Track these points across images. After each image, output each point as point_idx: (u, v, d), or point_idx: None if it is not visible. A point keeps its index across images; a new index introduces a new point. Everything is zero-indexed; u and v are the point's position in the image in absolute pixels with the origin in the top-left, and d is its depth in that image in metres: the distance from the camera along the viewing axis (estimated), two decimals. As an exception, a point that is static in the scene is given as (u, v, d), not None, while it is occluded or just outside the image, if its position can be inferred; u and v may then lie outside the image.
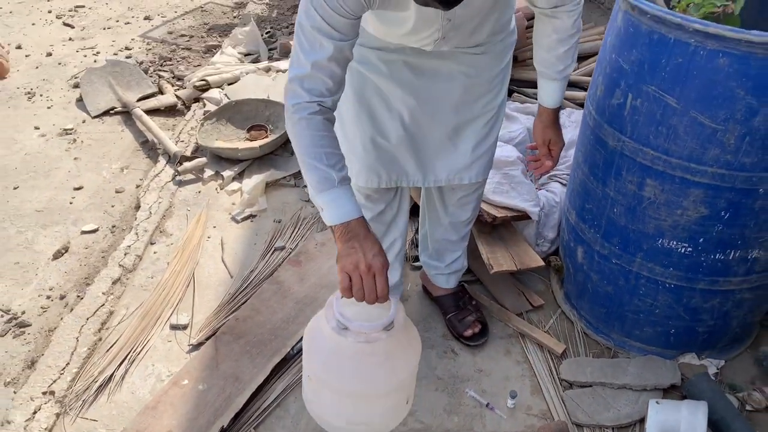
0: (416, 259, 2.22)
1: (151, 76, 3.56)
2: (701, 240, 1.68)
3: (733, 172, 1.55)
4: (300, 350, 1.80)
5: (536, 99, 1.77)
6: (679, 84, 1.52)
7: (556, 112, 1.71)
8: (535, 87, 2.77)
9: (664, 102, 1.56)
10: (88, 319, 2.05)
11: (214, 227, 2.49)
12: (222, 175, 2.74)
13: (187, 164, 2.74)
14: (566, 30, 1.53)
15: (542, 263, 2.10)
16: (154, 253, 2.36)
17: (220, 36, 4.08)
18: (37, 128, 3.14)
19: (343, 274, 1.24)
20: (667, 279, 1.78)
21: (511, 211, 2.14)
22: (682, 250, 1.72)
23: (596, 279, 1.95)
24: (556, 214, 2.23)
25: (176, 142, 2.93)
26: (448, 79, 1.57)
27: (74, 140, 3.06)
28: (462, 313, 2.04)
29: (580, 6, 1.51)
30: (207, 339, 1.99)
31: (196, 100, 3.30)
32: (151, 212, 2.53)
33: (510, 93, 2.84)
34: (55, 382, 1.86)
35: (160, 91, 3.40)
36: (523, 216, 2.15)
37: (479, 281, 2.23)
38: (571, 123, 2.51)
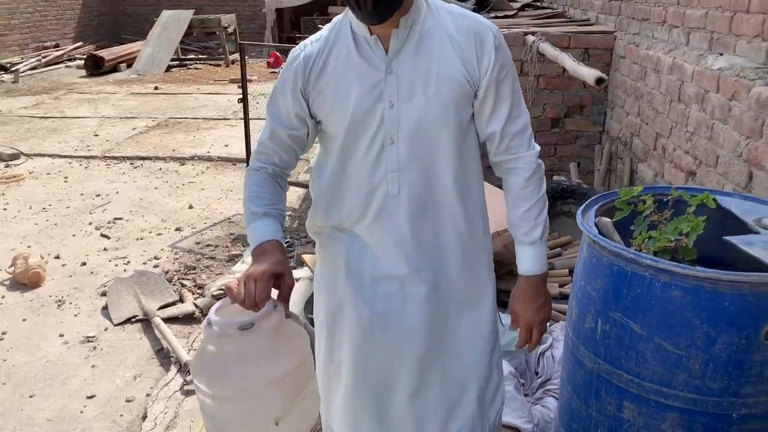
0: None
1: (174, 285, 3.80)
2: (686, 465, 1.68)
3: (704, 397, 1.60)
4: None
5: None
6: (640, 312, 1.63)
7: (532, 283, 1.62)
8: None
9: (629, 328, 1.66)
10: None
11: (216, 439, 2.52)
12: (229, 385, 2.82)
13: (196, 373, 2.84)
14: (520, 186, 1.56)
15: (536, 483, 2.07)
16: (154, 466, 2.39)
17: (243, 245, 4.38)
18: (61, 335, 3.32)
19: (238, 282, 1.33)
20: (659, 505, 1.75)
21: (504, 429, 2.16)
22: (669, 475, 1.71)
23: (590, 502, 1.91)
24: (551, 431, 2.24)
25: (189, 350, 3.07)
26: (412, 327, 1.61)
27: (94, 348, 3.21)
28: None
29: (529, 165, 1.55)
30: None
31: (213, 308, 3.48)
32: (156, 423, 2.59)
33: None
34: None
35: (181, 300, 3.62)
36: (516, 432, 2.16)
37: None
38: (555, 339, 2.60)
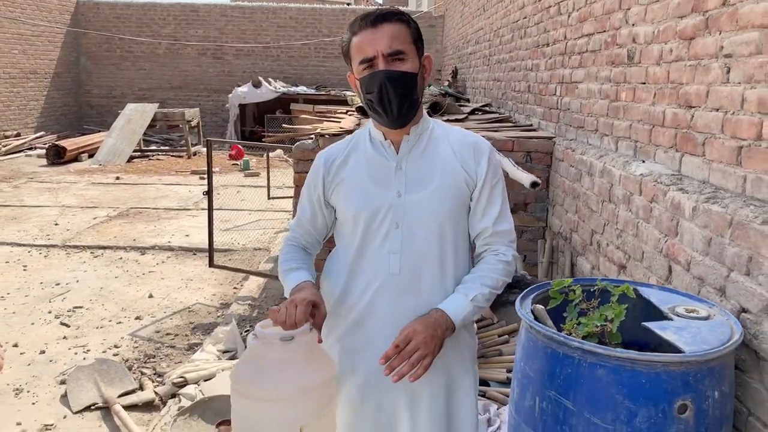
0: None
1: (134, 373, 3.85)
2: None
3: (631, 470, 1.79)
4: None
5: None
6: (571, 390, 1.84)
7: (442, 319, 1.70)
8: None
9: (563, 405, 1.86)
10: None
11: None
12: (189, 471, 2.87)
13: (156, 460, 2.89)
14: (490, 262, 1.83)
15: None
16: None
17: (203, 334, 4.47)
18: (18, 424, 3.32)
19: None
20: None
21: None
22: None
23: None
24: None
25: (149, 437, 3.11)
26: None
27: (52, 436, 3.23)
28: None
29: (506, 255, 1.83)
30: None
31: (173, 395, 3.55)
32: None
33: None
34: None
35: (141, 387, 3.66)
36: None
37: None
38: (503, 422, 2.77)
